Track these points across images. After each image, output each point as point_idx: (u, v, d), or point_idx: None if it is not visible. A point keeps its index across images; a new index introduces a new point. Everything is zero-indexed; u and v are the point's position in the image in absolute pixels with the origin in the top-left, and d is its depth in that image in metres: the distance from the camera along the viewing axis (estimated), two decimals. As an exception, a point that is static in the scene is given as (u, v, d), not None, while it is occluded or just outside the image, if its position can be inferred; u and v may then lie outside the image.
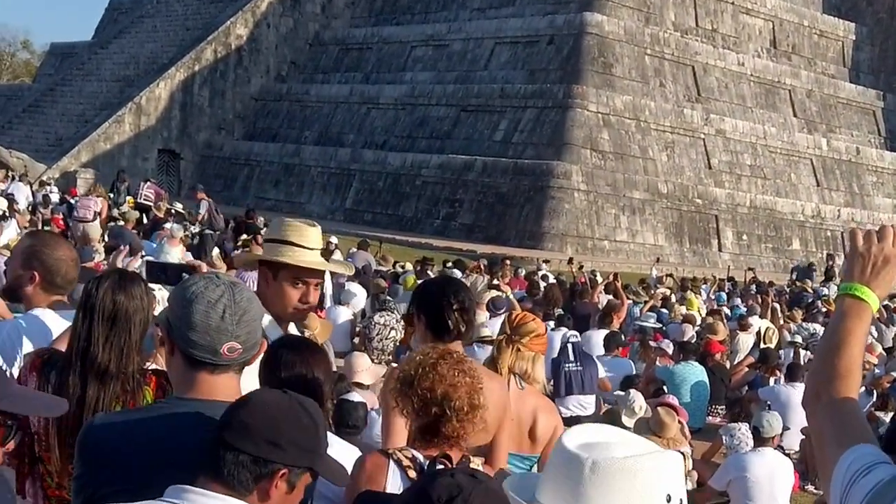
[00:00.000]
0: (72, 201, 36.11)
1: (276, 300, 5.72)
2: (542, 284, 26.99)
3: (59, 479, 4.66)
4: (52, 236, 6.64)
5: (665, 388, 16.13)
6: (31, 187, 38.75)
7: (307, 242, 5.75)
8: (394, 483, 4.74)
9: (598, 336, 18.99)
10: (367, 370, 11.39)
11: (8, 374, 5.15)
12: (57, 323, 5.54)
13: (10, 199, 28.51)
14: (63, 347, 4.90)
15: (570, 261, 34.97)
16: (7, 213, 25.49)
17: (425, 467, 4.65)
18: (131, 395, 4.63)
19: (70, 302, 5.75)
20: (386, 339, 14.53)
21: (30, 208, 32.72)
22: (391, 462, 4.80)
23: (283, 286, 5.75)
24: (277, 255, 5.79)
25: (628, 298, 26.85)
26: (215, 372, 3.73)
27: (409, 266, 28.21)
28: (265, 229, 33.57)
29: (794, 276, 42.09)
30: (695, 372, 17.88)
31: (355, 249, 29.94)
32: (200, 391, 3.72)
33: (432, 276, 22.93)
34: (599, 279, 29.87)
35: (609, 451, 2.61)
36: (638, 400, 13.86)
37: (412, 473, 4.72)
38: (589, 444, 2.64)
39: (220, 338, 3.68)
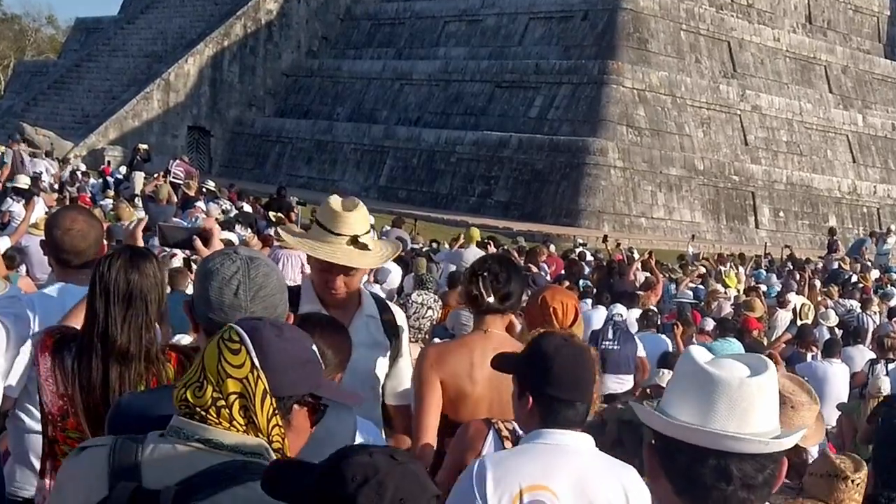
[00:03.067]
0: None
1: (316, 284, 5.70)
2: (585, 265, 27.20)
3: None
4: (61, 210, 6.70)
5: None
6: (59, 164, 38.95)
7: (335, 227, 5.54)
8: (489, 452, 5.01)
9: (633, 314, 19.23)
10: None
11: (20, 353, 5.29)
12: (70, 297, 5.59)
13: (36, 178, 28.77)
14: (74, 323, 4.96)
15: (605, 238, 35.16)
16: (34, 191, 25.69)
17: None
18: (154, 374, 4.64)
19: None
20: (423, 317, 14.66)
21: (57, 186, 32.92)
22: (491, 430, 5.14)
23: (314, 271, 5.73)
24: (298, 239, 5.81)
25: (665, 276, 27.14)
26: None
27: (445, 245, 28.50)
28: (297, 207, 34.09)
29: (843, 252, 41.92)
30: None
31: (389, 227, 30.19)
32: None
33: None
34: (636, 256, 30.11)
35: (741, 371, 3.02)
36: (672, 378, 14.09)
37: (508, 444, 5.02)
38: (721, 364, 3.04)
39: (235, 314, 3.71)
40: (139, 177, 36.44)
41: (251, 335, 3.20)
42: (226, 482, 3.09)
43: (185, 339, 8.09)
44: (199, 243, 5.50)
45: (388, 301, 6.34)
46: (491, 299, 5.87)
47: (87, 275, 5.46)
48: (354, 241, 5.47)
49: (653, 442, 3.09)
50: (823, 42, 62.24)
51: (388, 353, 5.83)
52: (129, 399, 3.91)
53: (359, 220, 5.58)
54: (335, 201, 5.72)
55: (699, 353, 3.09)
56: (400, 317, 6.00)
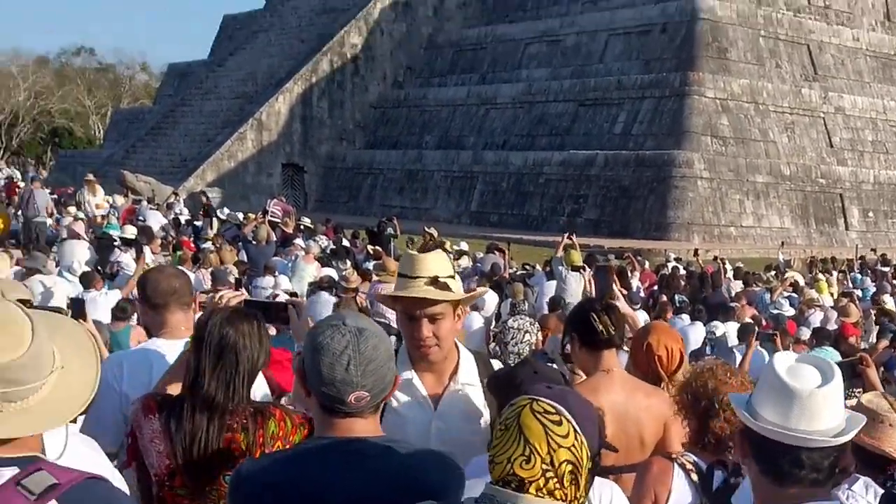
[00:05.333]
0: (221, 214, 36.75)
1: (406, 340, 5.47)
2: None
3: None
4: (155, 267, 6.81)
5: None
6: (163, 211, 39.20)
7: (413, 271, 5.31)
8: (679, 485, 5.27)
9: (730, 328, 18.98)
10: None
11: (113, 413, 5.45)
12: (167, 352, 5.66)
13: (144, 228, 28.92)
14: (174, 382, 5.06)
15: (696, 252, 34.97)
16: (142, 241, 25.85)
17: (704, 470, 5.25)
18: (242, 429, 4.72)
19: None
20: (521, 342, 14.60)
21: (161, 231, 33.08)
22: (675, 466, 5.33)
23: (402, 326, 5.47)
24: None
25: (757, 285, 26.81)
26: (348, 417, 3.85)
27: (538, 268, 28.34)
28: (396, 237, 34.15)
29: None
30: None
31: (483, 253, 30.13)
32: (337, 432, 3.87)
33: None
34: (728, 267, 29.82)
35: (812, 381, 3.75)
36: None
37: (694, 477, 5.28)
38: (796, 374, 3.76)
39: (347, 389, 3.78)
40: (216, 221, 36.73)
41: (561, 403, 3.38)
42: None
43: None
44: (293, 314, 5.52)
45: (493, 358, 6.13)
46: (611, 333, 5.98)
47: (176, 328, 5.87)
48: (434, 281, 5.26)
49: (743, 430, 3.87)
50: (904, 38, 61.43)
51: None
52: (249, 467, 3.97)
53: (437, 262, 5.37)
54: (412, 251, 5.58)
55: (780, 363, 3.80)
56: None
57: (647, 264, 31.78)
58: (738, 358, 16.40)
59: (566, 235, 23.54)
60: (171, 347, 5.66)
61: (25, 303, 4.71)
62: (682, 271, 29.88)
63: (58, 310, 7.13)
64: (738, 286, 26.97)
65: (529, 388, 3.55)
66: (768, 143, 50.64)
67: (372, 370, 3.83)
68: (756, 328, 19.57)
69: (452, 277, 5.37)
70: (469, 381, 5.50)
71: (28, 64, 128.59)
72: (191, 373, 4.76)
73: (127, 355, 6.08)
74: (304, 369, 3.91)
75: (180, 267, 20.91)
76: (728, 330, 18.81)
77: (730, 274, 29.92)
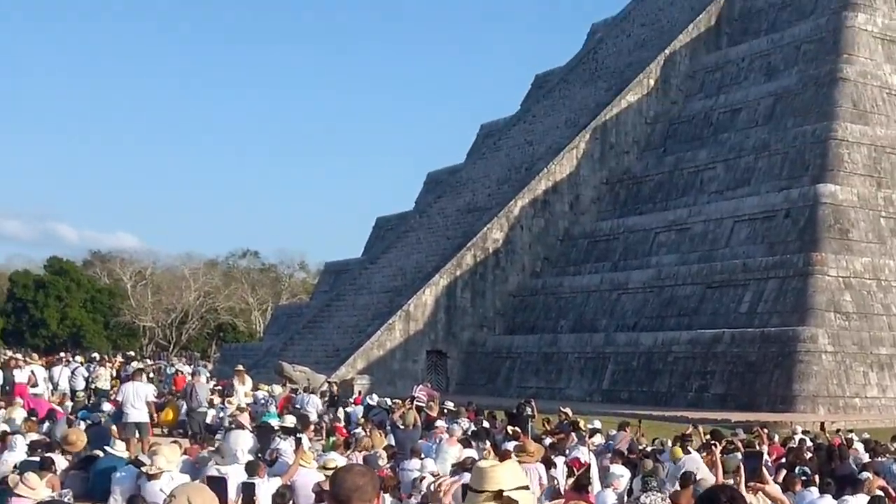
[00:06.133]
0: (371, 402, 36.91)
1: None
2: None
3: None
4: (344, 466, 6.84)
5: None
6: (319, 398, 39.42)
7: (479, 484, 5.17)
8: None
9: (860, 501, 18.22)
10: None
11: None
12: None
13: (301, 416, 29.04)
14: None
15: (822, 426, 34.10)
16: (299, 428, 26.00)
17: None
18: None
19: None
20: (653, 518, 14.33)
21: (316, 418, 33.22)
22: None
23: None
24: None
25: (885, 456, 25.93)
26: None
27: (668, 442, 27.80)
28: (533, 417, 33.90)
29: None
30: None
31: (615, 431, 29.74)
32: None
33: (692, 451, 22.58)
34: (855, 438, 28.93)
35: None
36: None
37: None
38: None
39: None
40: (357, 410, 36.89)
41: None
42: None
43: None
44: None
45: None
46: None
47: None
48: (498, 495, 5.03)
49: None
50: None
51: None
52: None
53: (506, 474, 5.13)
54: (483, 461, 5.37)
55: None
56: None
57: (776, 437, 30.97)
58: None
59: (690, 427, 23.21)
60: None
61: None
62: (809, 443, 29.05)
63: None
64: (865, 457, 26.09)
65: None
66: (891, 317, 49.85)
67: None
68: (886, 500, 18.79)
69: (524, 488, 5.12)
70: None
71: (199, 266, 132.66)
72: None
73: None
74: None
75: (333, 452, 21.06)
76: (858, 503, 18.08)
77: (857, 445, 28.94)
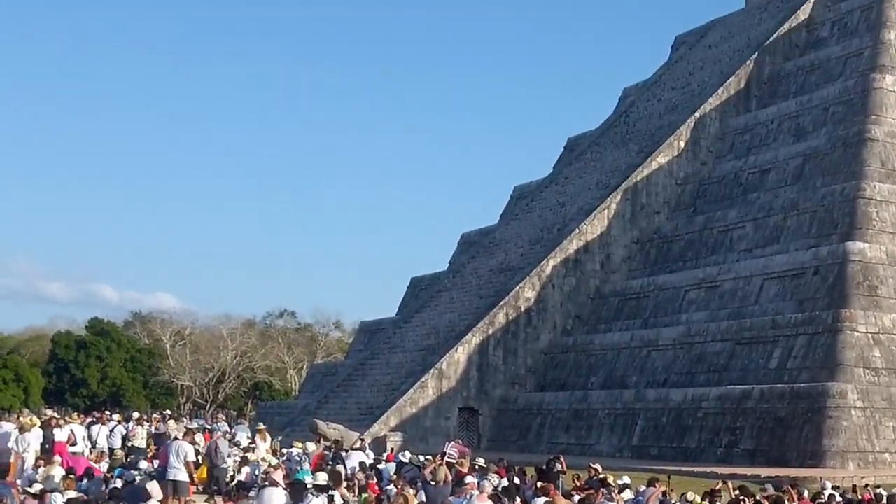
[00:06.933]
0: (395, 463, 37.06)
1: None
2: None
3: None
4: None
5: None
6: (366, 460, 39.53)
7: None
8: None
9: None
10: None
11: None
12: None
13: (333, 473, 29.28)
14: None
15: (854, 488, 34.08)
16: (332, 485, 26.24)
17: None
18: None
19: None
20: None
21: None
22: None
23: None
24: None
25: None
26: None
27: (697, 498, 27.93)
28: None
29: None
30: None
31: (644, 487, 29.82)
32: None
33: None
34: (884, 493, 29.01)
35: None
36: None
37: None
38: None
39: None
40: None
41: None
42: None
43: None
44: None
45: None
46: None
47: None
48: None
49: None
50: None
51: None
52: None
53: None
54: None
55: None
56: None
57: (805, 493, 31.01)
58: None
59: (719, 483, 23.32)
60: None
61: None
62: (839, 499, 29.11)
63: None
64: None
65: None
66: (921, 373, 49.62)
67: None
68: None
69: None
70: None
71: (237, 326, 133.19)
72: None
73: None
74: None
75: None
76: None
77: (885, 501, 28.98)
